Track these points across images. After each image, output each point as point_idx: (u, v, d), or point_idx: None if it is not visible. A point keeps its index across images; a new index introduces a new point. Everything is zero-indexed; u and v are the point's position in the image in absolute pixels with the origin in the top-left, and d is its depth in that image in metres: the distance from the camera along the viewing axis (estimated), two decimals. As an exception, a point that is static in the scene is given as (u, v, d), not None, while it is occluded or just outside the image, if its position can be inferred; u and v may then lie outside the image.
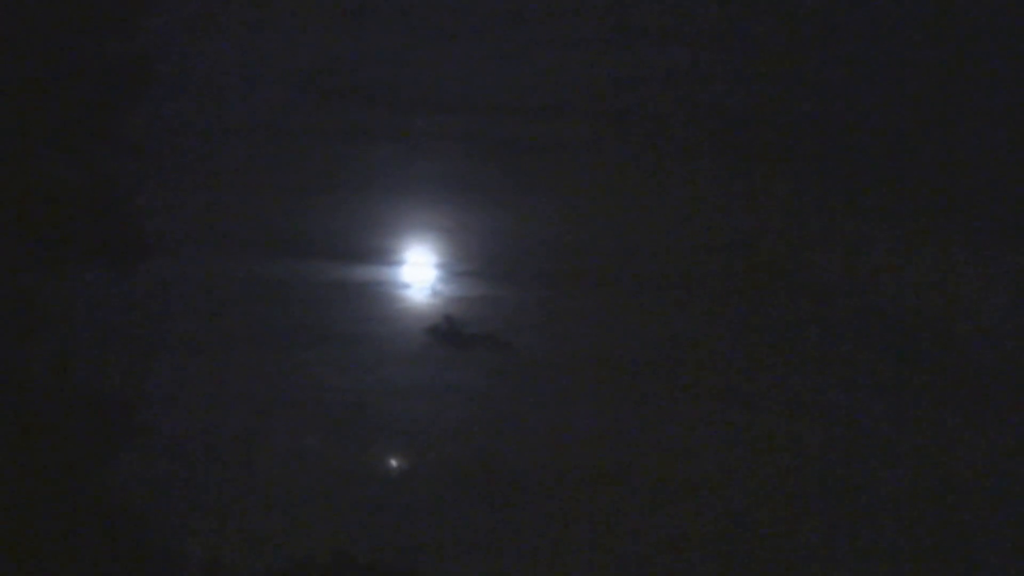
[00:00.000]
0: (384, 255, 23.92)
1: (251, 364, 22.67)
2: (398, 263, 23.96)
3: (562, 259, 23.85)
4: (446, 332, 23.13)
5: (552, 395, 22.53)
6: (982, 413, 22.29)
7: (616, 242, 23.96)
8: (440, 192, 24.43)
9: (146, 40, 23.60)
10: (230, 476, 21.80)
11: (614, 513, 21.57)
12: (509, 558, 21.35)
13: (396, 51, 25.14)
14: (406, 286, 23.80)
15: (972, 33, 24.96)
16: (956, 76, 24.73)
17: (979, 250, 23.57)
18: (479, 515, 21.54)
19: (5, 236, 22.30)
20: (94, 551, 20.94)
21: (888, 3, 25.35)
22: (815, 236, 23.83)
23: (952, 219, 23.91)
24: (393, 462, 22.14)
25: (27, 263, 22.37)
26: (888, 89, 24.88)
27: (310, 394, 22.48)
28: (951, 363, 22.69)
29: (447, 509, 21.63)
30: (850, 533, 21.49)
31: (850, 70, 25.01)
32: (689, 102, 24.83)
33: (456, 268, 23.95)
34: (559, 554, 21.40)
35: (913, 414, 22.28)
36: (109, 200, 23.00)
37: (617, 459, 21.92)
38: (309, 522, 21.56)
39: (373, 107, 24.83)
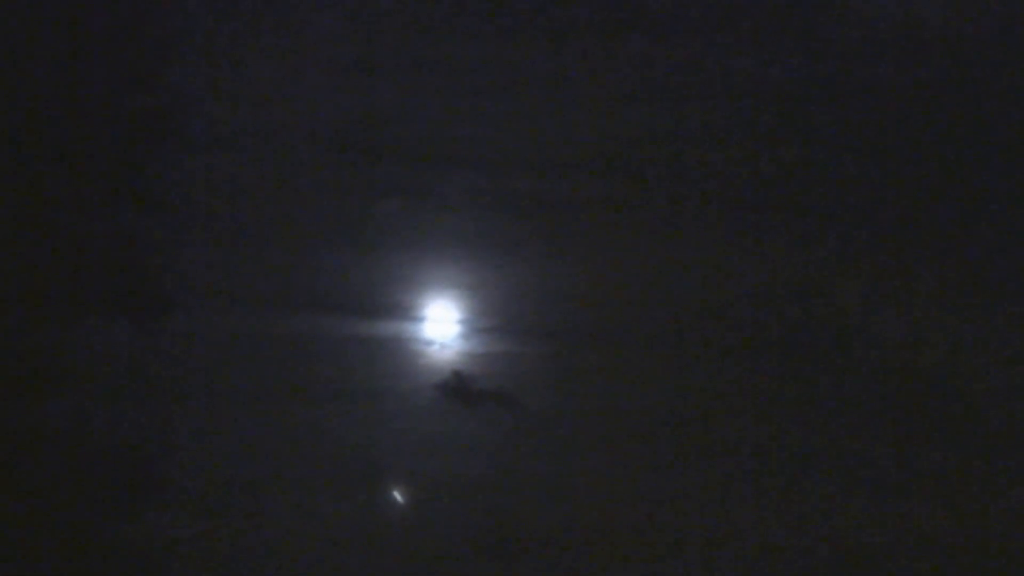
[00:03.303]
0: (404, 311, 23.89)
1: (268, 419, 22.67)
2: (418, 319, 23.91)
3: (585, 316, 23.74)
4: (461, 388, 23.02)
5: (563, 451, 22.37)
6: (1003, 470, 22.01)
7: (638, 299, 23.83)
8: (462, 248, 24.42)
9: (167, 95, 23.82)
10: (245, 530, 21.74)
11: (625, 569, 21.35)
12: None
13: (419, 107, 25.27)
14: (425, 342, 23.74)
15: (995, 89, 24.89)
16: (977, 131, 24.64)
17: (1000, 304, 23.39)
18: (489, 570, 21.37)
19: (23, 291, 22.44)
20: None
21: (914, 62, 25.32)
22: (833, 292, 23.66)
23: (973, 275, 23.74)
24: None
25: (45, 318, 22.48)
26: (911, 146, 24.79)
27: (324, 449, 22.42)
28: (973, 420, 22.42)
29: (458, 563, 21.48)
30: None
31: (874, 128, 24.95)
32: (712, 160, 24.79)
33: (477, 324, 23.88)
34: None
35: (931, 472, 21.99)
36: (129, 255, 23.13)
37: (628, 516, 21.69)
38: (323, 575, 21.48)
39: (395, 163, 24.92)
